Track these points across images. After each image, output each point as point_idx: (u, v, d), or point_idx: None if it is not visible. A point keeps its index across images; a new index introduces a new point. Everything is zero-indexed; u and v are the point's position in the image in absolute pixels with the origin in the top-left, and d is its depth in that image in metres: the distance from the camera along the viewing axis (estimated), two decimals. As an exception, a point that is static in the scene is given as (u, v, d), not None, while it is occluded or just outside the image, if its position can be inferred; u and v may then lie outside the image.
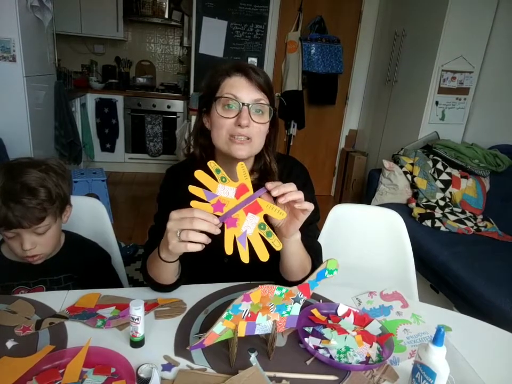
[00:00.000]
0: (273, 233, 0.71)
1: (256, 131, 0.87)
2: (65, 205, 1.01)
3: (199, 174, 0.70)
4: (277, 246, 0.70)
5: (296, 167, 1.04)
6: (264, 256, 0.69)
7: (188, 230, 0.69)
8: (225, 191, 0.70)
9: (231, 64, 0.90)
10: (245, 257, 0.68)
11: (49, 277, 1.02)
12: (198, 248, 0.70)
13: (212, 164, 0.70)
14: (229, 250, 0.67)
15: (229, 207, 0.70)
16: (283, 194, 0.70)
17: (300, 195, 0.72)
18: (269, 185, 0.71)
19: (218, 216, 0.69)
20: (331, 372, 0.73)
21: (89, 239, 1.14)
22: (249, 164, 0.97)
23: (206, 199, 0.69)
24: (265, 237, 0.70)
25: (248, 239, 0.69)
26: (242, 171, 0.71)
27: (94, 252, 1.11)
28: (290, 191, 0.71)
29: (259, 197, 0.71)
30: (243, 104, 0.85)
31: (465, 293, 1.84)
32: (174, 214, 0.71)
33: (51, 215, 0.95)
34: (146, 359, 0.71)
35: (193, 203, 0.69)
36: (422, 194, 2.55)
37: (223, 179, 0.70)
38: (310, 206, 0.74)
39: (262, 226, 0.70)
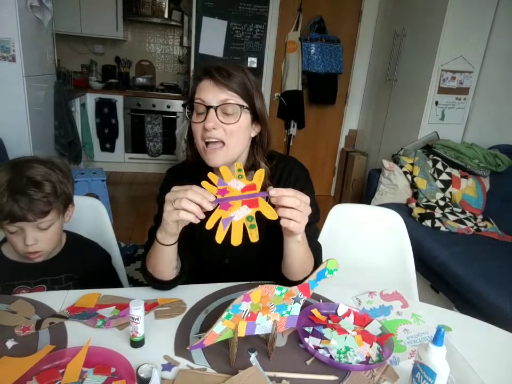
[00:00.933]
0: (256, 227, 0.72)
1: (228, 133, 0.86)
2: (68, 203, 1.01)
3: (224, 169, 0.76)
4: (254, 238, 0.71)
5: (296, 169, 1.02)
6: (236, 241, 0.71)
7: (182, 198, 0.71)
8: (236, 183, 0.75)
9: (202, 67, 0.89)
10: (219, 238, 0.70)
11: (50, 276, 1.02)
12: (190, 218, 0.71)
13: (238, 164, 0.79)
14: (209, 225, 0.69)
15: (230, 195, 0.73)
16: (279, 206, 0.72)
17: (294, 214, 0.72)
18: (272, 192, 0.72)
19: (216, 198, 0.73)
20: (331, 372, 0.73)
21: (89, 239, 1.14)
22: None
23: (216, 184, 0.73)
24: (248, 228, 0.72)
25: (231, 224, 0.71)
26: (259, 176, 0.76)
27: (94, 252, 1.11)
28: (289, 208, 0.71)
29: (261, 197, 0.74)
30: (208, 107, 0.85)
31: (465, 293, 1.84)
32: (175, 187, 0.74)
33: (55, 210, 0.96)
34: (146, 359, 0.71)
35: (203, 183, 0.73)
36: (422, 194, 2.55)
37: (240, 176, 0.76)
38: (297, 229, 0.74)
39: (249, 219, 0.72)
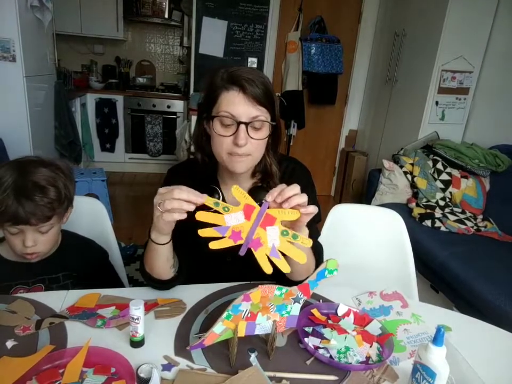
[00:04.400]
0: (298, 234, 0.71)
1: (254, 147, 0.86)
2: (69, 206, 1.02)
3: (202, 216, 0.70)
4: (307, 243, 0.70)
5: (298, 169, 1.03)
6: (302, 259, 0.70)
7: (165, 200, 0.70)
8: (233, 219, 0.70)
9: (228, 74, 0.85)
10: (285, 268, 0.70)
11: (47, 275, 1.02)
12: (175, 217, 0.71)
13: (208, 201, 0.70)
14: (268, 270, 0.69)
15: (245, 231, 0.70)
16: (287, 199, 0.70)
17: (303, 199, 0.71)
18: (269, 198, 0.70)
19: (241, 245, 0.69)
20: (331, 372, 0.73)
21: (86, 237, 1.14)
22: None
23: (221, 235, 0.69)
24: (293, 241, 0.70)
25: (282, 252, 0.70)
26: (240, 193, 0.71)
27: (91, 249, 1.12)
28: (293, 195, 0.70)
29: (268, 208, 0.71)
30: (240, 122, 0.83)
31: (465, 293, 1.84)
32: (161, 189, 0.73)
33: (57, 215, 0.96)
34: (146, 359, 0.71)
35: (211, 244, 0.69)
36: (422, 194, 2.55)
37: (226, 209, 0.70)
38: (314, 209, 0.73)
39: (284, 233, 0.70)
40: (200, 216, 0.70)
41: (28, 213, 0.89)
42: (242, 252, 0.69)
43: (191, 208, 0.70)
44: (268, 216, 0.70)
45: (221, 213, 0.70)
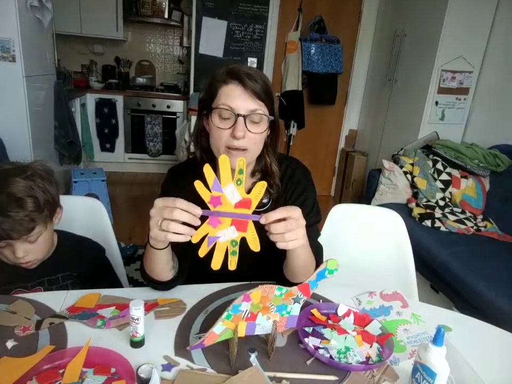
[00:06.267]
0: (237, 255, 0.71)
1: (252, 141, 0.87)
2: (55, 209, 0.99)
3: (224, 160, 0.69)
4: (232, 266, 0.71)
5: (298, 170, 1.03)
6: (216, 265, 0.70)
7: (169, 221, 0.69)
8: (232, 193, 0.69)
9: (228, 69, 0.87)
10: (202, 252, 0.69)
11: (46, 277, 1.02)
12: (179, 239, 0.70)
13: (241, 162, 0.69)
14: (195, 239, 0.69)
15: (222, 209, 0.69)
16: (270, 224, 0.70)
17: (285, 237, 0.70)
18: (263, 220, 0.70)
19: (208, 209, 0.69)
20: (331, 372, 0.73)
21: (81, 235, 1.13)
22: (251, 165, 0.97)
23: (210, 187, 0.69)
24: (229, 254, 0.71)
25: (215, 244, 0.70)
26: (259, 190, 0.70)
27: (87, 247, 1.11)
28: (275, 221, 0.70)
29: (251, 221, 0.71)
30: (238, 115, 0.84)
31: (465, 293, 1.84)
32: (158, 202, 0.71)
33: (41, 224, 0.93)
34: (146, 359, 0.71)
35: (197, 184, 0.68)
36: (422, 194, 2.55)
37: (239, 182, 0.69)
38: (295, 245, 0.72)
39: (233, 244, 0.71)
40: (222, 159, 0.69)
41: (6, 230, 0.86)
42: (200, 211, 0.68)
43: (192, 232, 0.69)
44: (245, 222, 0.70)
45: (231, 180, 0.69)
